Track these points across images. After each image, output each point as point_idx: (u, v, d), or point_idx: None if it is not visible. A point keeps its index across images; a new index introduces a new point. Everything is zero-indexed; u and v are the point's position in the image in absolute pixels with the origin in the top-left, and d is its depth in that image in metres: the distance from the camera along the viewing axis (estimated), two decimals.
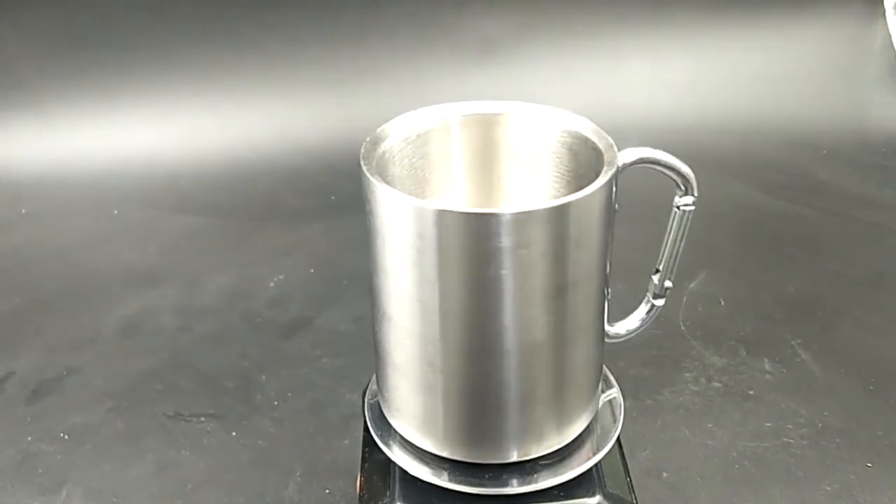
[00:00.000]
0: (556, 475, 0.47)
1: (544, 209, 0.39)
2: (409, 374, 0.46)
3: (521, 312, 0.42)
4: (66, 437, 0.66)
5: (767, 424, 0.66)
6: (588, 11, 1.02)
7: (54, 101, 0.98)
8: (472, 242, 0.40)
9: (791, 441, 0.64)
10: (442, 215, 0.40)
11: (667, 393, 0.68)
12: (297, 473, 0.62)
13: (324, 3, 1.00)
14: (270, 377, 0.71)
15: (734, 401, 0.68)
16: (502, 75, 1.03)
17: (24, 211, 0.93)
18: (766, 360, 0.72)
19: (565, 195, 0.42)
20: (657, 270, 0.51)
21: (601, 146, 0.45)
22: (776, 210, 0.92)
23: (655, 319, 0.53)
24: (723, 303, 0.78)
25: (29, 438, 0.66)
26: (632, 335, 0.52)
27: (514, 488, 0.47)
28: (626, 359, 0.71)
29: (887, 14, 1.02)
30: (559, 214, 0.40)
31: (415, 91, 1.02)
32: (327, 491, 0.61)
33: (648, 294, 0.52)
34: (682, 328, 0.75)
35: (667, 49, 1.04)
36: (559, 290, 0.43)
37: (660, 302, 0.52)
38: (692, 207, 0.49)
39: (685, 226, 0.49)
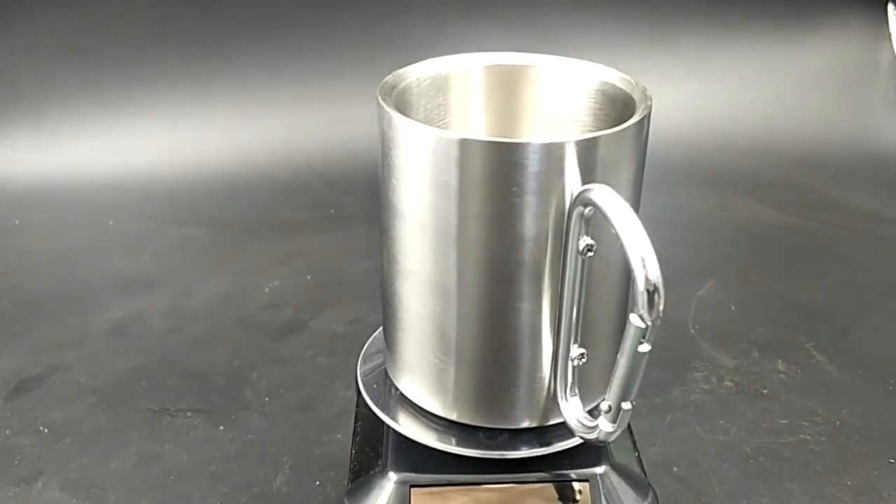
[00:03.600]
0: (563, 440, 0.44)
1: (574, 140, 0.37)
2: (421, 330, 0.43)
3: (544, 265, 0.40)
4: (46, 430, 0.63)
5: (783, 422, 0.62)
6: (593, 29, 1.02)
7: (53, 112, 0.97)
8: (498, 174, 0.38)
9: (808, 437, 0.61)
10: (466, 145, 0.37)
11: (676, 391, 0.65)
12: (287, 466, 0.59)
13: (326, 15, 1.00)
14: (261, 375, 0.68)
15: (747, 399, 0.65)
16: None
17: (17, 221, 0.91)
18: (779, 361, 0.69)
19: None
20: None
21: (634, 94, 0.43)
22: (785, 224, 0.90)
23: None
24: (733, 308, 0.76)
25: (7, 432, 0.63)
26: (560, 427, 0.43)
27: (521, 452, 0.44)
28: None
29: (892, 36, 1.01)
30: (589, 148, 0.38)
31: None
32: (318, 483, 0.57)
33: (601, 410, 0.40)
34: (692, 331, 0.72)
35: (674, 67, 1.03)
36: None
37: (608, 427, 0.39)
38: (643, 326, 0.35)
39: (634, 345, 0.37)
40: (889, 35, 1.02)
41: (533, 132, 0.48)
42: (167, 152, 0.97)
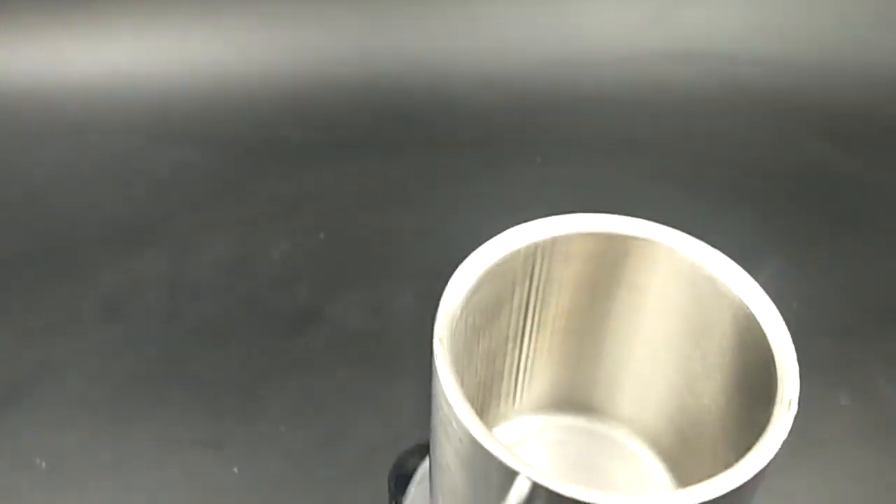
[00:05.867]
0: None
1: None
2: None
3: None
4: (43, 464, 0.57)
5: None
6: None
7: (19, 2, 0.82)
8: None
9: None
10: (537, 490, 0.29)
11: None
12: None
13: None
14: (276, 391, 0.62)
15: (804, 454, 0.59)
16: None
17: None
18: (842, 395, 0.63)
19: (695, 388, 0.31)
20: None
21: (781, 367, 0.32)
22: (858, 178, 0.79)
23: None
24: (795, 306, 0.68)
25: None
26: None
27: None
28: None
29: None
30: None
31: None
32: None
33: None
34: None
35: None
36: None
37: None
38: None
39: None
40: None
41: (620, 340, 0.38)
42: (155, 51, 0.84)
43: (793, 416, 0.29)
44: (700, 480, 0.36)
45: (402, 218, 0.74)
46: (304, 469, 0.57)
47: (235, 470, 0.57)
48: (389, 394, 0.62)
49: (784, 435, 0.29)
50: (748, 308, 0.32)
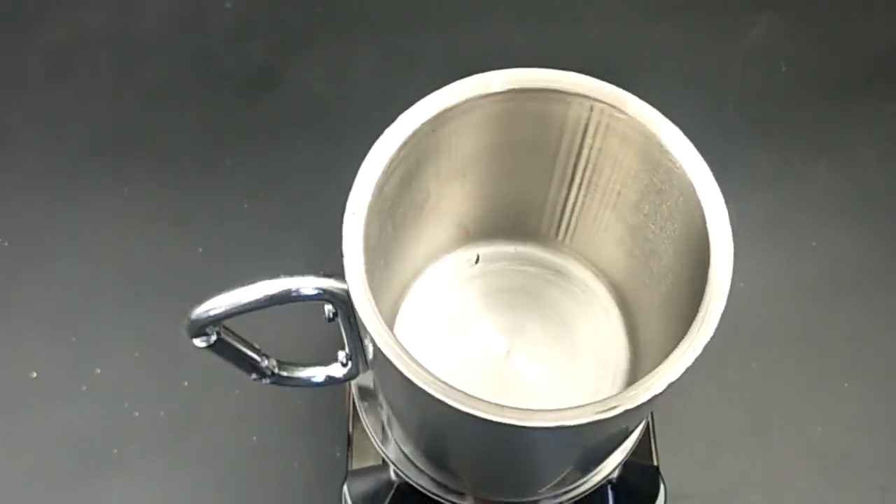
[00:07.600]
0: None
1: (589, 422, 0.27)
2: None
3: None
4: (6, 243, 0.57)
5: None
6: None
7: None
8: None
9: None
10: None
11: None
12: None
13: None
14: (236, 163, 0.60)
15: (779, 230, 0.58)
16: None
17: None
18: (823, 164, 0.61)
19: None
20: None
21: (716, 255, 0.29)
22: None
23: None
24: (784, 68, 0.64)
25: None
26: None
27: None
28: None
29: None
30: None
31: None
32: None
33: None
34: (730, 109, 0.62)
35: None
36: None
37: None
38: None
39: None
40: None
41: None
42: None
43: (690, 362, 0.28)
44: (646, 318, 0.36)
45: None
46: (269, 247, 0.57)
47: (200, 251, 0.57)
48: (354, 166, 0.60)
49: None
50: (701, 204, 0.30)
